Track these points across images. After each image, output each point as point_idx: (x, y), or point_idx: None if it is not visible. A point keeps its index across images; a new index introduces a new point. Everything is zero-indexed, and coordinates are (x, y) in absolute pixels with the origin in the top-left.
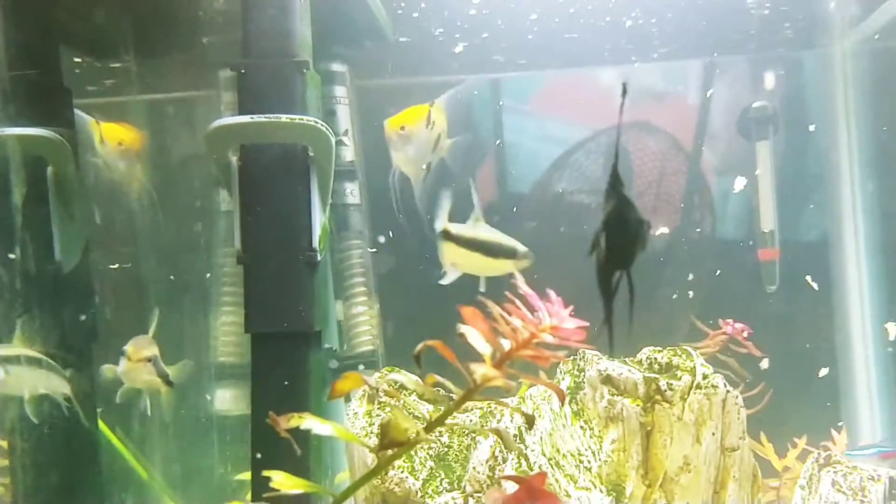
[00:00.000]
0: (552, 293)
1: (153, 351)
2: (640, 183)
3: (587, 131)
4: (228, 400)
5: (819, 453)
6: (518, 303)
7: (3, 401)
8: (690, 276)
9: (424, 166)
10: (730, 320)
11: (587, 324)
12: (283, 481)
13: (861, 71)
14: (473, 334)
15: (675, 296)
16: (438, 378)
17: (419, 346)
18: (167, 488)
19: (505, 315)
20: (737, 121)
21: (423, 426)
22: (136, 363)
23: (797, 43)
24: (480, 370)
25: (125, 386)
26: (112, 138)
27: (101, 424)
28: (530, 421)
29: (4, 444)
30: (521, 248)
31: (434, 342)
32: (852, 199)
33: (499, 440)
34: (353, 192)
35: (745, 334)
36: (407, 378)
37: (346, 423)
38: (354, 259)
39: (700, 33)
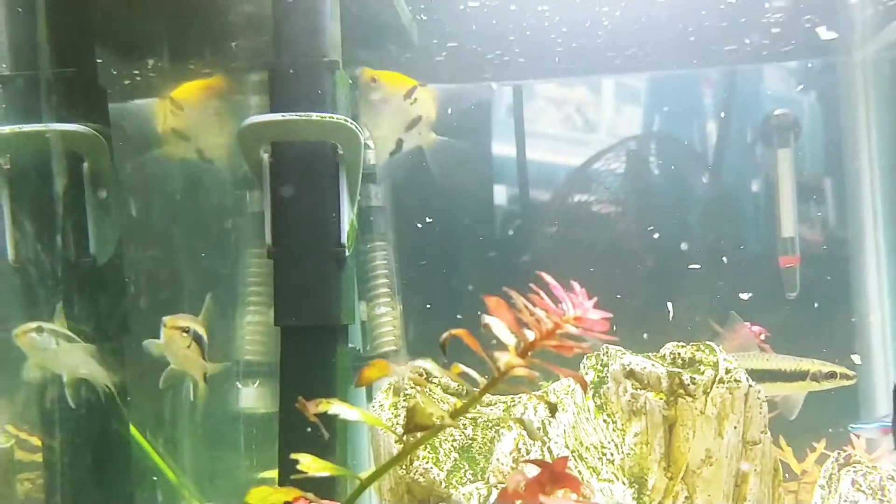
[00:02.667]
0: (576, 284)
1: (189, 323)
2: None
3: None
4: (253, 398)
5: (839, 453)
6: (542, 294)
7: (36, 395)
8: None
9: (395, 142)
10: (747, 323)
11: (611, 315)
12: (309, 464)
13: (882, 78)
14: (498, 324)
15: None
16: (463, 367)
17: (444, 335)
18: (192, 486)
19: (529, 305)
20: (758, 128)
21: (449, 412)
22: (172, 330)
23: (818, 51)
24: (504, 358)
25: (169, 367)
26: (179, 103)
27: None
28: (553, 408)
29: (35, 439)
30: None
31: (459, 331)
32: (872, 206)
33: (522, 433)
34: (376, 195)
35: (762, 337)
36: (433, 365)
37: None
38: (378, 260)
39: (719, 42)
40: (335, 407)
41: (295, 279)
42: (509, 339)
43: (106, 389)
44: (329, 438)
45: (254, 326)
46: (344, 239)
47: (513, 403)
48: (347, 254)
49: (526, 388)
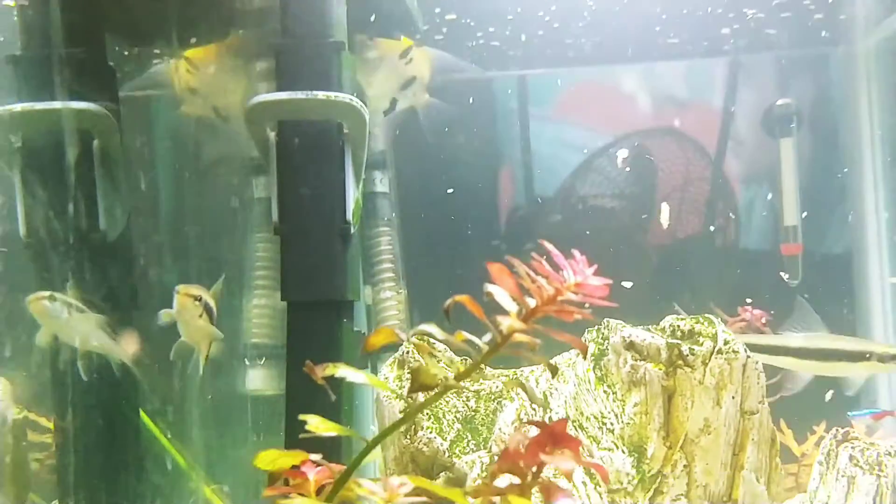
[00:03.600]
0: (577, 252)
1: (201, 292)
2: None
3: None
4: (261, 380)
5: (837, 430)
6: (543, 261)
7: (47, 368)
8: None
9: (389, 101)
10: (748, 307)
11: (610, 281)
12: (317, 424)
13: (885, 69)
14: (500, 292)
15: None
16: (466, 335)
17: (448, 301)
18: (200, 469)
19: (531, 273)
20: (761, 118)
21: (453, 376)
22: (185, 297)
23: (821, 41)
24: (507, 322)
25: (179, 340)
26: (193, 62)
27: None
28: (554, 370)
29: (45, 420)
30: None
31: (462, 297)
32: (875, 196)
33: (524, 404)
34: (382, 181)
35: (763, 320)
36: (436, 328)
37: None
38: (383, 245)
39: (723, 32)
40: (342, 370)
41: (301, 255)
42: (511, 307)
43: (118, 362)
44: (334, 409)
45: (260, 309)
46: (349, 216)
47: (514, 376)
48: (353, 231)
49: (527, 354)
